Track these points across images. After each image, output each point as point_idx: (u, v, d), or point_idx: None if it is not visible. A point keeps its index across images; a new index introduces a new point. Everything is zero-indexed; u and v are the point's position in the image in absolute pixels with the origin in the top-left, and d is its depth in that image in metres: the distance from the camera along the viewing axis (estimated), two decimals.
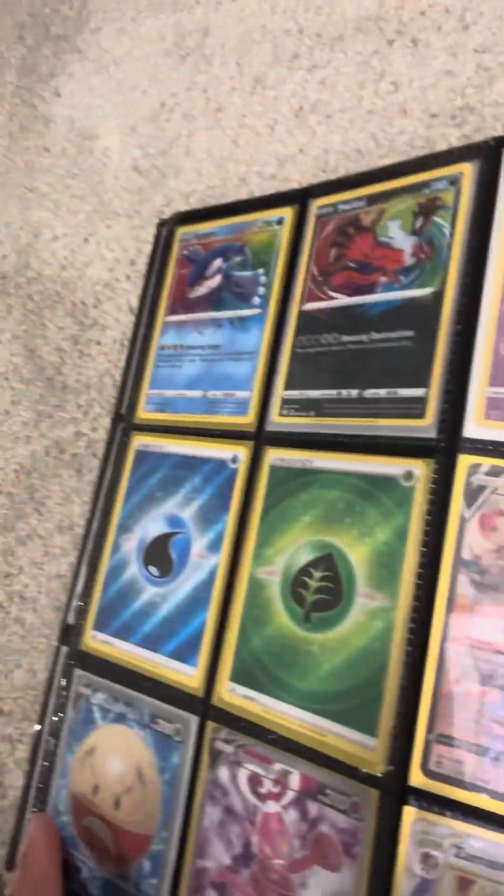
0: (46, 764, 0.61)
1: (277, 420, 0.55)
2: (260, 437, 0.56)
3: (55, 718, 0.62)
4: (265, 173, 0.68)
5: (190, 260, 0.66)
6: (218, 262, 0.64)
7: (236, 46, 0.74)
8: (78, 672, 0.61)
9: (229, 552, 0.55)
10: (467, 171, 0.49)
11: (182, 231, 0.69)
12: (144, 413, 0.65)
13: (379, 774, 0.43)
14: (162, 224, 0.72)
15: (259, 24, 0.73)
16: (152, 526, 0.60)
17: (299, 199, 0.60)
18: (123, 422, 0.67)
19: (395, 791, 0.42)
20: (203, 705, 0.53)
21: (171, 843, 0.51)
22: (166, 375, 0.64)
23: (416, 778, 0.42)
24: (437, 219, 0.50)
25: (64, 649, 0.64)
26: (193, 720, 0.53)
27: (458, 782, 0.40)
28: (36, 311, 0.86)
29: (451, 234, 0.49)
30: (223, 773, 0.50)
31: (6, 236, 0.94)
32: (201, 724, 0.52)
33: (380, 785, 0.43)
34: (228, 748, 0.50)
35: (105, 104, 0.87)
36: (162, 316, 0.67)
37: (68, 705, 0.61)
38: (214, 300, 0.63)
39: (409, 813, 0.41)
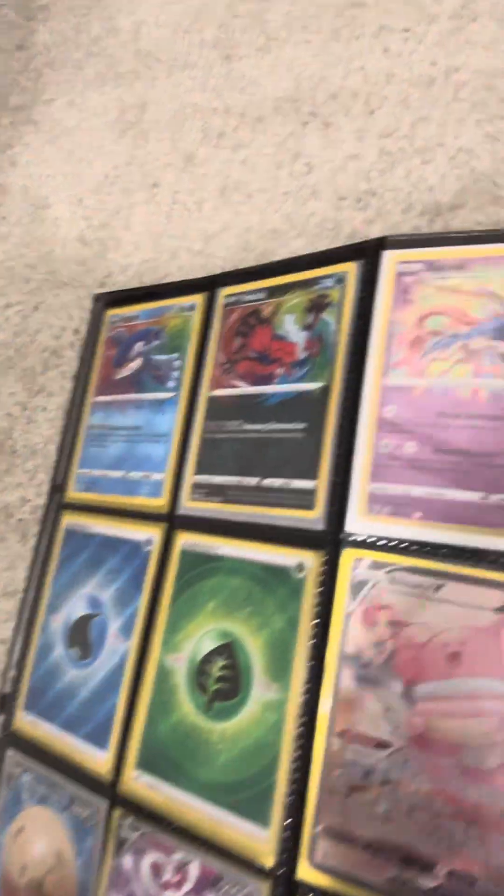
0: None
1: (188, 504, 0.56)
2: (172, 521, 0.57)
3: None
4: (193, 249, 0.70)
5: (116, 342, 0.69)
6: (139, 346, 0.66)
7: (170, 122, 0.77)
8: (10, 752, 0.62)
9: (140, 637, 0.56)
10: (351, 271, 0.50)
11: (111, 313, 0.71)
12: (74, 492, 0.67)
13: (269, 868, 0.43)
14: (97, 299, 0.74)
15: (191, 102, 0.75)
16: (76, 606, 0.61)
17: (208, 287, 0.62)
18: (58, 493, 0.69)
19: (284, 884, 0.43)
20: (111, 791, 0.54)
21: None
22: (94, 454, 0.66)
23: (304, 871, 0.42)
24: (325, 315, 0.51)
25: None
26: (103, 806, 0.53)
27: (343, 875, 0.41)
28: None
29: (337, 331, 0.50)
30: (127, 860, 0.50)
31: None
32: (109, 810, 0.53)
33: (270, 877, 0.43)
34: (133, 835, 0.51)
35: (56, 174, 0.90)
36: (91, 395, 0.69)
37: (1, 784, 0.62)
38: (135, 382, 0.65)
39: None
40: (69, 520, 0.65)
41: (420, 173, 0.56)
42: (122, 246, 0.78)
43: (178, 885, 0.47)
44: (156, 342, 0.64)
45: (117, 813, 0.52)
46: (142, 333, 0.66)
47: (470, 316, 0.46)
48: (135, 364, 0.66)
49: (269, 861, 0.44)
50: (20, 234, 0.92)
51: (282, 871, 0.43)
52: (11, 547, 0.78)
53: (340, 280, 0.51)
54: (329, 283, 0.52)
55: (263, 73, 0.69)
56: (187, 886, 0.47)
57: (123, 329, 0.69)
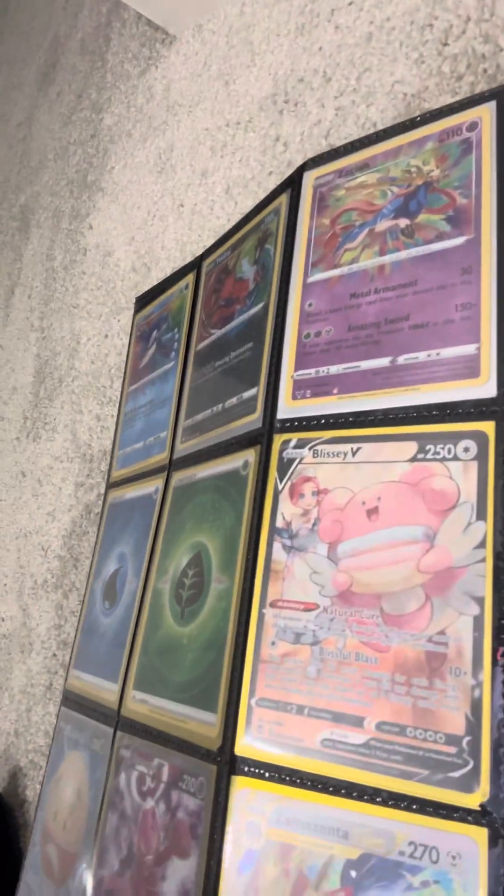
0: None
1: (180, 447, 0.61)
2: (170, 466, 0.62)
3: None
4: (208, 244, 0.77)
5: (140, 339, 0.78)
6: (154, 334, 0.74)
7: (189, 151, 0.87)
8: (62, 709, 0.67)
9: (145, 572, 0.60)
10: (283, 201, 0.55)
11: (138, 317, 0.81)
12: (115, 472, 0.75)
13: (216, 750, 0.44)
14: (134, 311, 0.85)
15: (203, 128, 0.85)
16: (110, 565, 0.67)
17: (196, 264, 0.69)
18: (108, 477, 0.77)
19: (225, 762, 0.43)
20: (116, 717, 0.56)
21: (90, 859, 0.53)
22: (127, 436, 0.74)
23: (241, 747, 0.42)
24: (267, 245, 0.56)
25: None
26: (109, 732, 0.56)
27: (278, 744, 0.41)
28: (76, 402, 1.01)
29: (274, 254, 0.54)
30: (122, 778, 0.52)
31: (62, 347, 1.12)
32: (114, 733, 0.56)
33: (216, 760, 0.43)
34: (127, 753, 0.53)
35: (117, 225, 1.04)
36: (127, 388, 0.78)
37: (54, 741, 0.67)
38: (151, 365, 0.73)
39: (238, 782, 0.42)
40: (112, 496, 0.73)
41: (367, 115, 0.60)
42: (160, 263, 0.87)
43: (154, 791, 0.48)
44: (164, 326, 0.72)
45: (119, 736, 0.55)
46: (155, 324, 0.75)
47: (374, 204, 0.48)
48: (151, 350, 0.73)
49: (215, 744, 0.44)
50: (95, 282, 1.06)
51: (223, 750, 0.43)
52: (91, 538, 0.86)
53: (276, 212, 0.55)
54: (269, 218, 0.56)
55: (251, 84, 0.77)
56: (160, 790, 0.48)
57: (145, 326, 0.77)
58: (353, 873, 0.35)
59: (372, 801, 0.36)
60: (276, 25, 0.75)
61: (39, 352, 1.18)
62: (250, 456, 0.49)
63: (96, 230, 1.10)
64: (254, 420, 0.50)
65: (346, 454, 0.44)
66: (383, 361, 0.44)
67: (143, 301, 0.81)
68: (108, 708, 0.58)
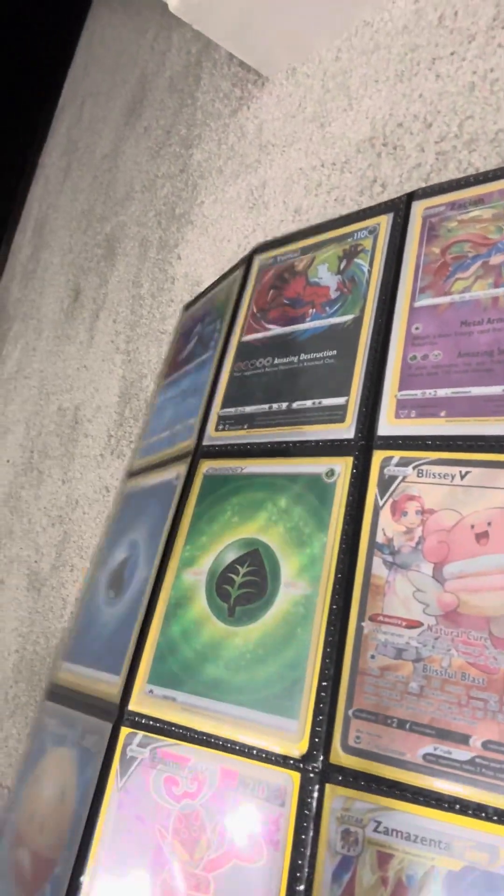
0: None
1: (214, 435, 0.60)
2: (196, 453, 0.61)
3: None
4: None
5: (183, 335, 0.80)
6: (197, 328, 0.75)
7: (283, 189, 0.91)
8: (46, 703, 0.63)
9: (159, 561, 0.57)
10: (383, 222, 0.57)
11: (184, 316, 0.84)
12: (136, 461, 0.74)
13: (300, 757, 0.43)
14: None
15: (297, 168, 0.89)
16: (118, 554, 0.65)
17: (247, 260, 0.71)
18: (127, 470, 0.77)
19: (316, 771, 0.42)
20: (118, 710, 0.53)
21: (70, 863, 0.48)
22: (153, 426, 0.74)
23: (337, 755, 0.42)
24: (357, 260, 0.57)
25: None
26: (107, 727, 0.52)
27: (376, 756, 0.41)
28: None
29: (370, 271, 0.56)
30: (135, 778, 0.49)
31: (147, 370, 1.16)
32: (114, 730, 0.52)
33: (301, 767, 0.43)
34: (142, 752, 0.50)
35: (206, 257, 1.08)
36: (161, 381, 0.79)
37: (33, 738, 0.61)
38: (188, 357, 0.73)
39: (331, 791, 0.42)
40: (129, 485, 0.72)
41: (469, 161, 0.62)
42: None
43: (196, 794, 0.47)
44: (208, 318, 0.73)
45: (124, 732, 0.51)
46: (199, 318, 0.76)
47: (489, 238, 0.50)
48: (192, 343, 0.74)
49: (299, 751, 0.43)
50: (180, 310, 1.10)
51: (315, 758, 0.43)
52: None
53: (373, 231, 0.57)
54: (362, 234, 0.58)
55: (348, 127, 0.81)
56: (207, 792, 0.46)
57: (189, 322, 0.79)
58: (455, 884, 0.36)
59: (476, 815, 0.36)
60: (374, 72, 0.79)
61: (125, 374, 1.23)
62: (337, 465, 0.50)
63: (185, 261, 1.15)
64: (342, 429, 0.51)
65: (453, 476, 0.45)
66: (496, 389, 0.45)
67: (189, 305, 0.84)
68: (108, 702, 0.54)
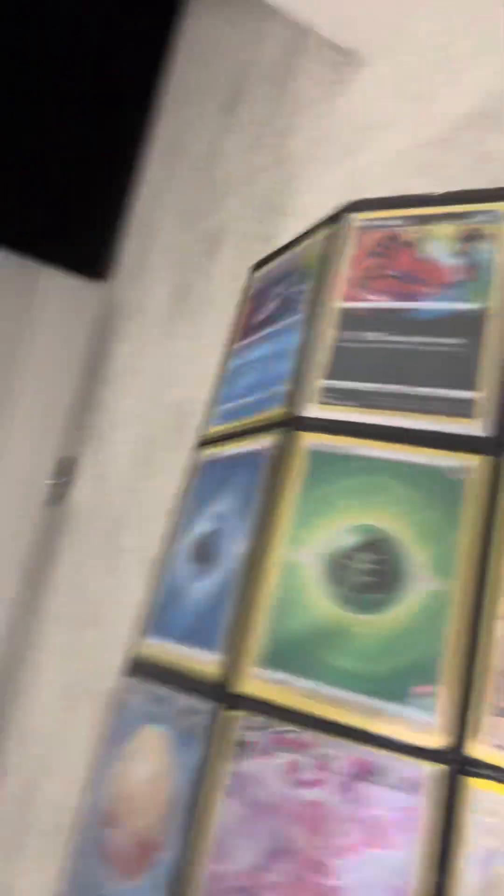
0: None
1: (316, 407, 0.57)
2: (294, 424, 0.57)
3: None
4: None
5: (255, 296, 0.73)
6: (278, 289, 0.69)
7: (386, 172, 0.90)
8: (127, 680, 0.60)
9: (258, 536, 0.55)
10: None
11: (254, 277, 0.77)
12: (211, 428, 0.68)
13: (436, 749, 0.44)
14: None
15: (400, 148, 0.88)
16: (202, 525, 0.61)
17: (334, 218, 0.66)
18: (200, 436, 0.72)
19: (456, 764, 0.44)
20: (224, 693, 0.51)
21: (181, 848, 0.48)
22: (226, 393, 0.69)
23: (475, 749, 0.43)
24: (479, 245, 0.56)
25: None
26: (213, 708, 0.51)
27: None
28: None
29: (493, 259, 0.55)
30: (250, 763, 0.48)
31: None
32: (220, 713, 0.50)
33: (441, 759, 0.44)
34: (257, 736, 0.48)
35: None
36: (233, 345, 0.73)
37: (115, 715, 0.59)
38: (270, 320, 0.68)
39: (471, 783, 0.43)
40: (206, 453, 0.67)
41: None
42: None
43: (322, 782, 0.46)
44: (293, 278, 0.68)
45: (234, 714, 0.50)
46: (279, 277, 0.70)
47: None
48: (272, 304, 0.69)
49: (437, 744, 0.44)
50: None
51: (451, 750, 0.44)
52: None
53: (498, 217, 0.56)
54: (482, 217, 0.57)
55: (453, 101, 0.78)
56: (334, 781, 0.46)
57: (263, 283, 0.73)
58: None
59: None
60: (479, 41, 0.76)
61: None
62: (468, 462, 0.50)
63: None
64: (470, 426, 0.51)
65: None
66: None
67: (260, 265, 0.77)
68: (211, 682, 0.52)
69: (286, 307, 0.66)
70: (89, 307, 1.86)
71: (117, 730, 0.58)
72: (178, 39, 2.08)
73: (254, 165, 1.43)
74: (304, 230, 0.74)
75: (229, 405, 0.68)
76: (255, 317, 0.72)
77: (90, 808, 0.56)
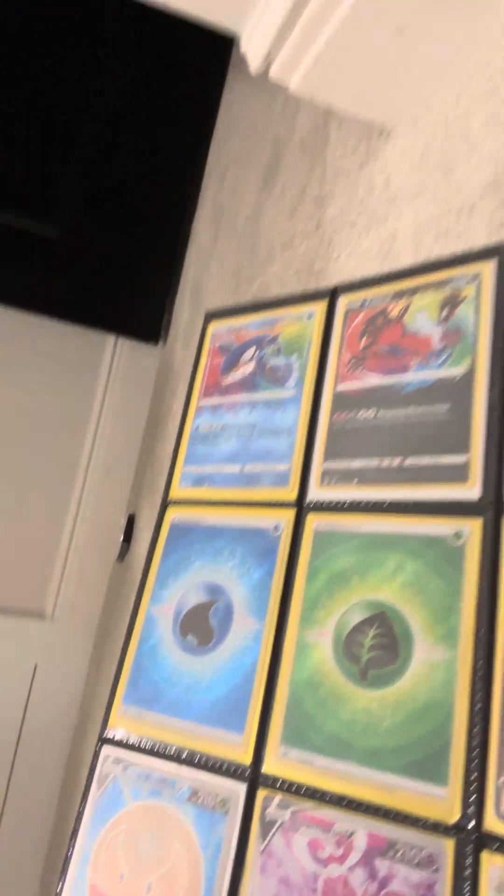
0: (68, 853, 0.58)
1: (319, 489, 0.59)
2: (301, 506, 0.60)
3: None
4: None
5: (224, 350, 0.74)
6: (251, 352, 0.71)
7: (412, 239, 0.92)
8: (105, 750, 0.60)
9: (274, 617, 0.57)
10: (486, 269, 0.57)
11: (215, 325, 0.77)
12: (180, 489, 0.69)
13: (452, 823, 0.44)
14: (205, 318, 0.82)
15: (425, 218, 0.90)
16: (189, 595, 0.62)
17: (328, 296, 0.68)
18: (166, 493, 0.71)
19: (471, 838, 0.43)
20: (252, 773, 0.53)
21: None
22: (202, 453, 0.69)
23: (492, 823, 0.43)
24: (461, 309, 0.57)
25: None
26: (241, 789, 0.52)
27: None
28: None
29: (477, 322, 0.56)
30: (277, 841, 0.49)
31: None
32: (250, 792, 0.52)
33: (455, 833, 0.44)
34: (283, 815, 0.50)
35: None
36: (195, 401, 0.74)
37: (93, 785, 0.59)
38: (248, 384, 0.70)
39: (488, 858, 0.42)
40: (177, 514, 0.68)
41: None
42: None
43: (343, 858, 0.47)
44: (270, 347, 0.69)
45: (261, 794, 0.51)
46: (253, 341, 0.72)
47: None
48: (247, 367, 0.70)
49: (451, 818, 0.44)
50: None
51: (469, 825, 0.43)
52: None
53: (474, 279, 0.57)
54: (462, 282, 0.58)
55: (472, 171, 0.81)
56: (354, 857, 0.46)
57: (232, 339, 0.74)
58: None
59: None
60: (495, 113, 0.79)
61: None
62: (464, 526, 0.50)
63: None
64: (465, 489, 0.51)
65: None
66: None
67: (219, 315, 0.79)
68: (231, 761, 0.54)
69: (270, 377, 0.68)
70: (150, 370, 1.96)
71: (104, 803, 0.58)
72: (220, 113, 2.21)
73: (294, 231, 1.49)
74: (274, 298, 0.77)
75: (206, 468, 0.69)
76: (226, 376, 0.73)
77: (71, 886, 0.57)
